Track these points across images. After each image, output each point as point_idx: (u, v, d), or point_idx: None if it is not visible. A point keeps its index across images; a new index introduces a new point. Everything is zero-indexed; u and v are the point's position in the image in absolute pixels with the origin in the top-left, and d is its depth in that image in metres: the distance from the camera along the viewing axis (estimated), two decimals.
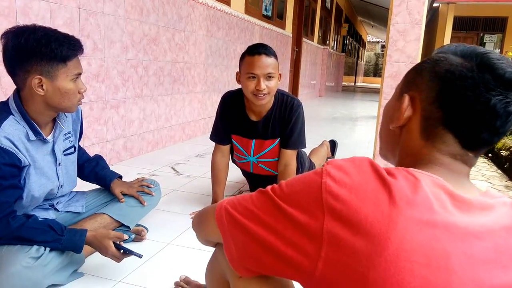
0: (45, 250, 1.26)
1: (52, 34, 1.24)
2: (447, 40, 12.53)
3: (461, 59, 0.64)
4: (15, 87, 1.29)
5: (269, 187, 0.68)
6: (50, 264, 1.27)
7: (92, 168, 1.65)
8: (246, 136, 2.06)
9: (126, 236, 1.40)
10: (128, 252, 1.34)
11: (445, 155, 0.65)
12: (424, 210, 0.56)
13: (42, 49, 1.20)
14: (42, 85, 1.23)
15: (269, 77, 1.86)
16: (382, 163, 0.67)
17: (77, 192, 1.64)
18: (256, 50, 1.86)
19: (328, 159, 3.06)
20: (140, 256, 1.35)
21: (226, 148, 2.11)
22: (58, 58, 1.23)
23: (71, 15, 2.32)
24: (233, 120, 2.03)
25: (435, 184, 0.60)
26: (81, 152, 1.67)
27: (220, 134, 2.09)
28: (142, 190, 1.72)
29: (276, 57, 1.90)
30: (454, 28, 12.88)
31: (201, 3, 3.84)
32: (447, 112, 0.63)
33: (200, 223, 0.80)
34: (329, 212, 0.58)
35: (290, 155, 1.99)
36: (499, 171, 3.58)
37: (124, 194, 1.66)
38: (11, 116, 1.25)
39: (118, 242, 1.34)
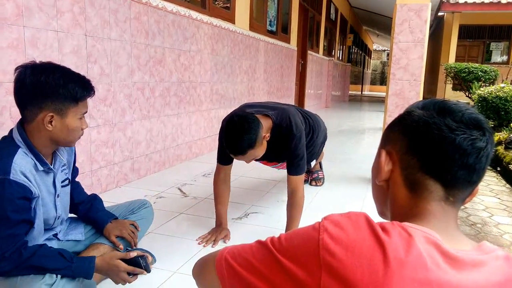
0: (56, 277, 1.29)
1: (69, 75, 1.30)
2: (453, 49, 12.51)
3: (423, 110, 0.69)
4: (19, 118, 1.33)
5: (268, 239, 0.69)
6: None
7: (86, 211, 1.66)
8: None
9: (133, 253, 1.42)
10: (137, 263, 1.36)
11: (431, 202, 0.67)
12: (418, 269, 0.58)
13: (60, 90, 1.27)
14: (51, 122, 1.28)
15: (252, 159, 1.86)
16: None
17: (71, 218, 1.66)
18: (231, 151, 1.80)
19: (316, 172, 3.07)
20: (148, 270, 1.37)
21: (228, 168, 2.13)
22: (72, 98, 1.30)
23: (78, 42, 2.37)
24: None
25: (427, 240, 0.61)
26: (78, 190, 1.68)
27: (224, 154, 2.10)
28: (133, 231, 1.69)
29: (253, 144, 1.76)
30: (459, 37, 12.87)
31: (206, 22, 3.90)
32: (421, 157, 0.67)
33: (200, 272, 0.82)
34: (326, 269, 0.60)
35: (296, 181, 2.00)
36: (508, 185, 3.55)
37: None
38: (19, 149, 1.29)
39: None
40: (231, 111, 2.11)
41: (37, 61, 1.30)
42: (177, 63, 3.45)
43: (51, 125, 1.29)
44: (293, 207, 2.00)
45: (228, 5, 4.62)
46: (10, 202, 1.21)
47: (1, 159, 1.24)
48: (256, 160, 2.20)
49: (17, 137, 1.31)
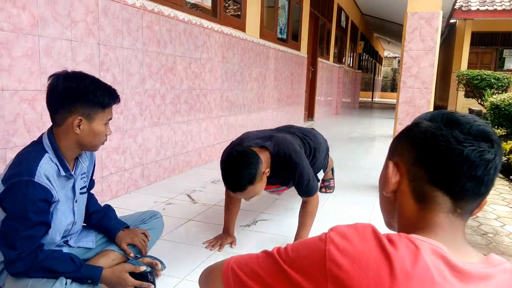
0: (66, 284, 1.32)
1: (97, 83, 1.41)
2: (465, 56, 12.40)
3: (430, 122, 0.69)
4: (40, 127, 1.38)
5: (275, 249, 0.70)
6: None
7: (99, 220, 1.69)
8: None
9: (142, 268, 1.45)
10: (145, 278, 1.38)
11: (439, 213, 0.67)
12: (425, 281, 0.58)
13: (89, 96, 1.36)
14: (80, 125, 1.37)
15: (251, 196, 1.80)
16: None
17: (83, 226, 1.69)
18: (230, 188, 1.74)
19: (328, 181, 3.06)
20: (155, 286, 1.39)
21: None
22: (100, 104, 1.38)
23: (91, 51, 2.42)
24: None
25: (434, 253, 0.61)
26: (93, 201, 1.73)
27: None
28: (144, 239, 1.71)
29: (253, 180, 1.71)
30: (472, 44, 12.76)
31: (217, 31, 3.94)
32: (429, 169, 0.67)
33: (207, 281, 0.82)
34: (332, 280, 0.60)
35: (310, 200, 2.01)
36: None
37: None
38: (46, 154, 1.35)
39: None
40: (231, 141, 2.08)
41: (70, 71, 1.39)
42: (188, 71, 3.49)
43: (79, 128, 1.37)
44: (307, 214, 2.01)
45: (239, 13, 4.66)
46: (32, 203, 1.26)
47: (28, 162, 1.31)
48: None
49: (46, 141, 1.38)
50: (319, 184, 3.11)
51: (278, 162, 1.92)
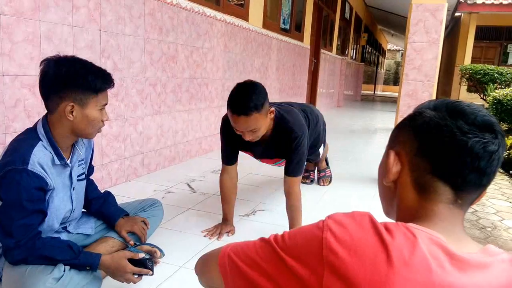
0: (64, 271, 1.32)
1: (90, 67, 1.36)
2: (469, 50, 12.33)
3: (434, 111, 0.68)
4: (41, 113, 1.36)
5: (272, 237, 0.70)
6: (70, 284, 1.32)
7: (99, 206, 1.69)
8: (252, 154, 2.19)
9: (141, 255, 1.45)
10: (144, 264, 1.39)
11: (439, 204, 0.67)
12: (421, 271, 0.58)
13: (80, 80, 1.32)
14: (72, 112, 1.34)
15: (253, 130, 1.80)
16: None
17: (82, 213, 1.69)
18: (235, 110, 1.74)
19: (323, 171, 3.06)
20: (153, 272, 1.40)
21: (233, 168, 2.14)
22: (92, 89, 1.35)
23: (92, 37, 2.40)
24: (236, 140, 2.00)
25: (433, 242, 0.61)
26: (93, 187, 1.72)
27: (227, 154, 2.12)
28: (144, 227, 1.72)
29: (259, 107, 1.74)
30: (476, 38, 12.67)
31: (220, 19, 3.91)
32: (431, 160, 0.66)
33: (203, 268, 0.82)
34: (328, 268, 0.60)
35: (291, 183, 1.98)
36: None
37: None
38: (40, 142, 1.34)
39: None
40: None
41: (62, 55, 1.36)
42: (189, 60, 3.47)
43: (72, 115, 1.34)
44: (291, 209, 2.00)
45: (242, 2, 4.62)
46: (27, 192, 1.26)
47: (21, 150, 1.29)
48: (259, 158, 2.24)
49: (40, 129, 1.36)
50: (315, 175, 3.11)
51: (280, 134, 1.95)
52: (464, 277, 0.59)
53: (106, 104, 1.42)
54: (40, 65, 1.34)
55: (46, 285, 1.26)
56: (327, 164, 3.15)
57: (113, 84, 1.41)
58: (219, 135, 2.16)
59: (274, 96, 5.79)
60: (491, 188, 3.42)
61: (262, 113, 1.76)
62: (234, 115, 1.75)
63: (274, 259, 0.66)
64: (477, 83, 9.62)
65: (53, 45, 2.14)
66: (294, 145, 1.94)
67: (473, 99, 10.55)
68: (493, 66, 9.78)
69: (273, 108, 1.89)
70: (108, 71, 1.41)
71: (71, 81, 1.31)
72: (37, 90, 2.05)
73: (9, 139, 1.95)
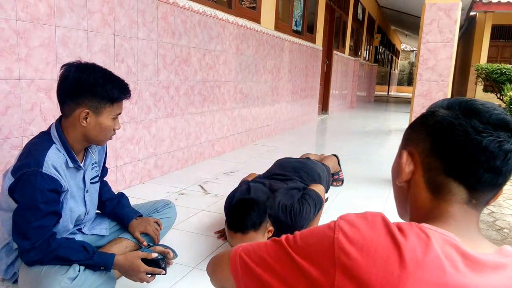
0: (79, 271, 1.34)
1: (109, 77, 1.38)
2: (485, 49, 12.13)
3: (447, 110, 0.67)
4: (56, 117, 1.39)
5: (283, 237, 0.70)
6: (85, 284, 1.34)
7: (113, 207, 1.72)
8: None
9: (154, 255, 1.46)
10: (157, 264, 1.40)
11: (454, 204, 0.66)
12: (435, 272, 0.57)
13: (98, 89, 1.34)
14: (86, 118, 1.36)
15: None
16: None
17: (96, 214, 1.71)
18: (232, 226, 1.68)
19: (336, 174, 3.04)
20: (165, 272, 1.42)
21: None
22: (108, 98, 1.37)
23: (106, 41, 2.43)
24: None
25: (446, 242, 0.60)
26: (106, 188, 1.74)
27: None
28: (157, 228, 1.73)
29: (257, 226, 1.67)
30: (492, 37, 12.47)
31: (232, 22, 3.92)
32: (445, 160, 0.65)
33: (215, 269, 0.82)
34: (340, 269, 0.60)
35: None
36: None
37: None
38: (53, 145, 1.36)
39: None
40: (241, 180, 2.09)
41: (83, 61, 1.38)
42: (202, 63, 3.49)
43: (86, 121, 1.36)
44: None
45: (254, 5, 4.64)
46: (41, 194, 1.28)
47: (35, 153, 1.32)
48: None
49: (53, 132, 1.39)
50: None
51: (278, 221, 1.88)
52: (478, 278, 0.58)
53: (120, 113, 1.44)
54: (61, 69, 1.36)
55: (61, 284, 1.28)
56: (339, 166, 3.15)
57: (130, 95, 1.43)
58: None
59: (286, 98, 5.78)
60: (508, 189, 3.35)
61: (259, 232, 1.69)
62: (231, 231, 1.69)
63: (285, 260, 0.66)
64: (494, 83, 9.45)
65: (68, 50, 2.18)
66: (292, 222, 1.87)
67: (490, 100, 10.36)
68: (509, 66, 9.59)
69: (271, 228, 1.78)
70: (122, 74, 1.41)
71: (89, 88, 1.33)
72: (53, 94, 2.10)
73: (26, 142, 1.99)
